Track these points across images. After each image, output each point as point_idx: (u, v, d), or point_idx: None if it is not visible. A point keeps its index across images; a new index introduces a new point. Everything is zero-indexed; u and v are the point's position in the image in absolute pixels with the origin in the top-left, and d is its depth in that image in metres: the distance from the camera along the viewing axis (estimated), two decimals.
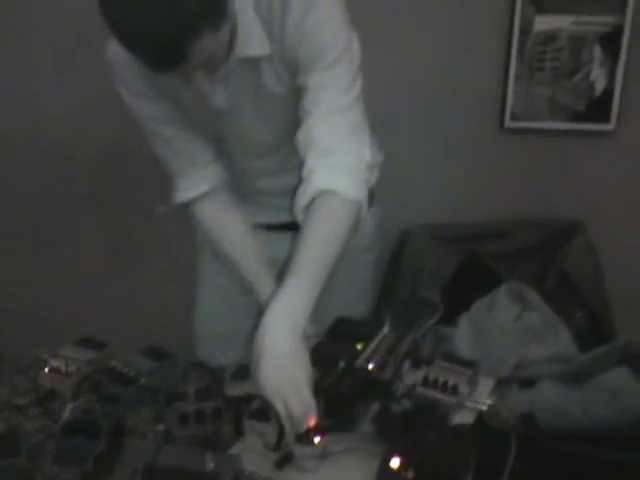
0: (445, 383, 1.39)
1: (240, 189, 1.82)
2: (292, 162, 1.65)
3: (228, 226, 1.79)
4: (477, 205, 2.61)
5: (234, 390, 1.45)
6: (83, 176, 2.73)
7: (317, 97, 1.50)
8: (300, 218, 1.54)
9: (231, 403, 1.39)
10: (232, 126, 1.63)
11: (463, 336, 2.33)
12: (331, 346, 1.49)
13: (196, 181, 1.75)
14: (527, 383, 2.24)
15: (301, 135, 1.53)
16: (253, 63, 1.49)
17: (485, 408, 1.40)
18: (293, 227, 1.75)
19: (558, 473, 1.57)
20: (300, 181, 1.56)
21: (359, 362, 1.43)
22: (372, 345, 1.49)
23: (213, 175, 1.75)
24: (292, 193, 1.74)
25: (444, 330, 2.38)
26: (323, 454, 1.30)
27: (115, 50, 1.51)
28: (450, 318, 2.41)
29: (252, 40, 1.45)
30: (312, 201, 1.51)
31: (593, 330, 2.51)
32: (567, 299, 2.51)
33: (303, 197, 1.52)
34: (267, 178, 1.78)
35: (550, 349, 2.29)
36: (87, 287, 2.86)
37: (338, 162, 1.51)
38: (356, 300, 1.97)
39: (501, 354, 2.24)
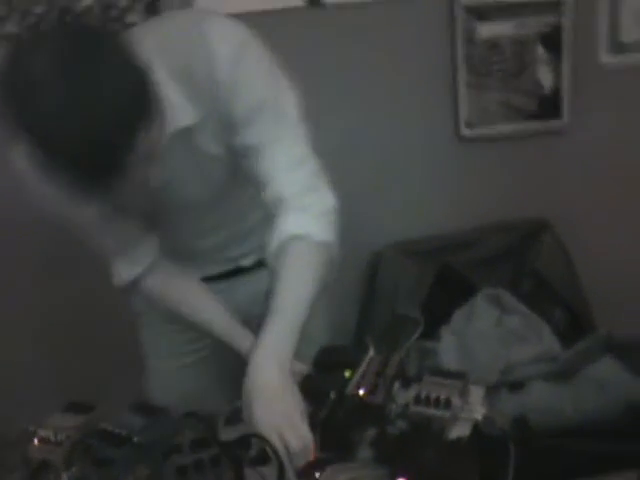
0: (437, 398, 1.38)
1: (175, 252, 1.74)
2: (229, 217, 1.67)
3: (184, 291, 1.72)
4: (445, 217, 2.63)
5: (229, 435, 1.44)
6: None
7: (272, 154, 1.48)
8: (272, 264, 1.54)
9: (229, 449, 1.38)
10: (169, 195, 1.55)
11: (447, 348, 2.35)
12: (319, 377, 1.49)
13: (136, 257, 1.66)
14: (516, 386, 2.27)
15: (269, 196, 1.51)
16: (185, 133, 1.43)
17: (480, 417, 1.39)
18: (227, 275, 1.80)
19: (554, 471, 1.59)
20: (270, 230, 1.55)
21: (349, 390, 1.43)
22: (360, 371, 1.48)
23: (151, 246, 1.67)
24: (228, 244, 1.76)
25: (427, 344, 2.39)
26: None
27: (21, 161, 1.40)
28: (431, 332, 2.42)
29: (178, 112, 1.37)
30: (282, 247, 1.51)
31: (573, 326, 2.55)
32: (544, 299, 2.54)
33: (273, 243, 1.52)
34: (206, 237, 1.73)
35: (534, 349, 2.31)
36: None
37: (307, 209, 1.51)
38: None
39: (486, 361, 2.26)
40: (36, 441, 1.51)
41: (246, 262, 1.81)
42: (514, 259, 2.59)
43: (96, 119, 1.14)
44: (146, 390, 1.94)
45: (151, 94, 1.22)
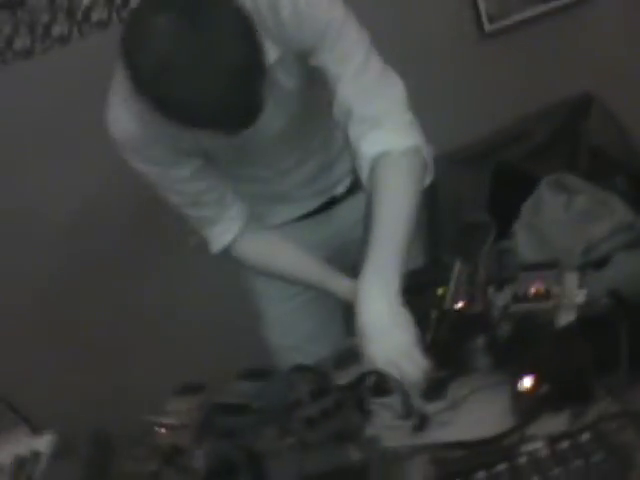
0: (536, 291, 1.39)
1: (267, 198, 1.81)
2: (312, 148, 1.68)
3: (275, 252, 1.77)
4: (488, 115, 2.59)
5: (343, 379, 1.45)
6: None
7: (337, 70, 1.50)
8: (368, 188, 1.55)
9: (347, 390, 1.40)
10: (255, 132, 1.57)
11: (523, 244, 2.32)
12: (414, 302, 1.49)
13: (227, 224, 1.72)
14: (601, 264, 2.24)
15: (336, 110, 1.53)
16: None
17: (582, 300, 1.39)
18: (319, 210, 1.81)
19: None
20: (350, 151, 1.58)
21: (448, 305, 1.44)
22: (452, 285, 1.49)
23: (240, 211, 1.73)
24: (317, 176, 1.75)
25: (503, 244, 2.38)
26: (453, 403, 1.30)
27: (125, 128, 1.51)
28: (504, 231, 2.41)
29: None
30: (371, 171, 1.52)
31: (638, 189, 2.50)
32: (604, 172, 2.50)
33: (361, 172, 1.54)
34: (294, 171, 1.75)
35: (609, 223, 2.28)
36: None
37: (377, 122, 1.51)
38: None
39: (565, 246, 2.23)
40: (162, 429, 1.55)
41: (338, 190, 1.83)
42: (566, 140, 2.55)
43: (230, 72, 1.25)
44: (265, 337, 1.99)
45: (258, 32, 1.29)
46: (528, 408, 1.20)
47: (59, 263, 2.63)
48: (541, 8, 2.52)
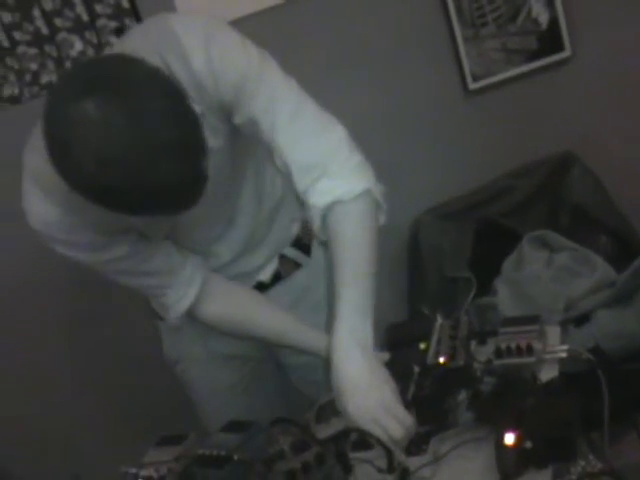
0: (518, 346, 1.38)
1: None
2: (237, 214, 1.63)
3: (244, 308, 1.68)
4: (471, 172, 2.61)
5: (324, 432, 1.44)
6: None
7: (267, 121, 1.44)
8: (322, 238, 1.52)
9: (329, 444, 1.38)
10: None
11: (505, 300, 2.34)
12: (397, 356, 1.49)
13: (183, 289, 1.61)
14: (582, 320, 2.26)
15: (278, 163, 1.48)
16: None
17: (565, 355, 1.39)
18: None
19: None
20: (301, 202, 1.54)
21: (430, 360, 1.44)
22: (433, 340, 1.49)
23: (194, 269, 1.62)
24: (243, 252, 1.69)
25: (484, 300, 2.39)
26: (435, 458, 1.29)
27: (47, 220, 1.41)
28: (485, 287, 2.42)
29: None
30: (324, 220, 1.48)
31: (621, 249, 2.53)
32: (586, 230, 2.53)
33: (313, 224, 1.50)
34: (220, 241, 1.67)
35: (590, 281, 2.30)
36: None
37: (323, 170, 1.46)
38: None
39: (546, 302, 2.25)
40: None
41: (264, 276, 1.74)
42: (548, 197, 2.57)
43: (172, 150, 1.17)
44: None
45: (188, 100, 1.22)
46: (511, 464, 1.19)
47: None
48: (523, 68, 2.56)
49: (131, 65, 1.20)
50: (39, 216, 1.42)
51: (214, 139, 1.43)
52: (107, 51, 1.58)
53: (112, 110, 1.14)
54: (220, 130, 1.46)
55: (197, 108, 1.30)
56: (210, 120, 1.41)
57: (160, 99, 1.17)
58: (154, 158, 1.16)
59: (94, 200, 1.20)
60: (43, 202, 1.38)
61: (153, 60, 1.30)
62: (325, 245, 1.57)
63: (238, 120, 1.45)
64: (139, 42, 1.40)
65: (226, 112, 1.45)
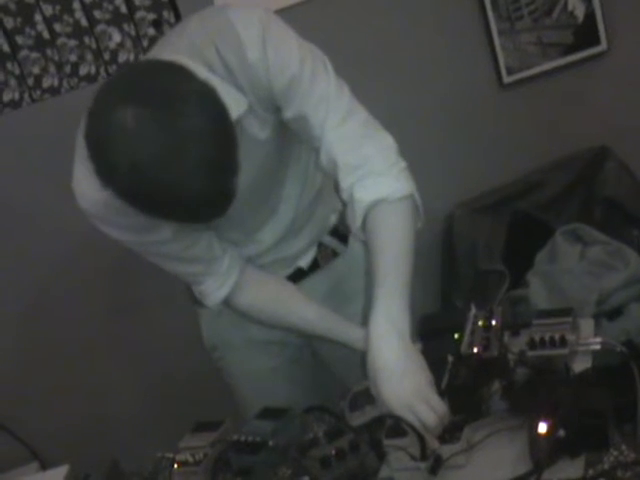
0: (552, 338, 1.39)
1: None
2: (281, 203, 1.65)
3: (278, 299, 1.70)
4: (506, 165, 2.62)
5: (358, 420, 1.46)
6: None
7: (319, 118, 1.47)
8: (361, 237, 1.54)
9: (363, 431, 1.40)
10: None
11: (537, 293, 2.35)
12: (431, 347, 1.50)
13: (222, 278, 1.64)
14: (614, 314, 2.26)
15: (323, 159, 1.51)
16: (237, 122, 1.39)
17: (598, 347, 1.40)
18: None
19: None
20: (344, 203, 1.57)
21: (464, 350, 1.44)
22: (467, 330, 1.50)
23: (233, 260, 1.65)
24: (286, 237, 1.70)
25: (517, 293, 2.40)
26: (468, 447, 1.31)
27: (94, 200, 1.44)
28: (518, 280, 2.43)
29: (230, 104, 1.33)
30: (365, 218, 1.51)
31: None
32: (619, 223, 2.53)
33: (355, 218, 1.52)
34: (263, 228, 1.69)
35: (623, 274, 2.30)
36: None
37: (370, 169, 1.49)
38: None
39: (579, 296, 2.25)
40: (175, 466, 1.55)
41: (303, 262, 1.76)
42: (582, 191, 2.57)
43: (204, 167, 1.21)
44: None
45: (224, 106, 1.25)
46: (544, 453, 1.20)
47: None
48: (559, 61, 2.55)
49: (180, 78, 1.24)
50: (87, 195, 1.46)
51: (262, 130, 1.47)
52: (164, 36, 1.60)
53: (150, 122, 1.18)
54: (268, 121, 1.49)
55: (246, 100, 1.37)
56: (259, 112, 1.45)
57: (201, 117, 1.21)
58: (184, 174, 1.20)
59: (124, 201, 1.26)
60: (89, 183, 1.41)
61: (208, 50, 1.36)
62: (363, 242, 1.59)
63: (288, 114, 1.48)
64: (196, 31, 1.43)
65: (275, 104, 1.47)
